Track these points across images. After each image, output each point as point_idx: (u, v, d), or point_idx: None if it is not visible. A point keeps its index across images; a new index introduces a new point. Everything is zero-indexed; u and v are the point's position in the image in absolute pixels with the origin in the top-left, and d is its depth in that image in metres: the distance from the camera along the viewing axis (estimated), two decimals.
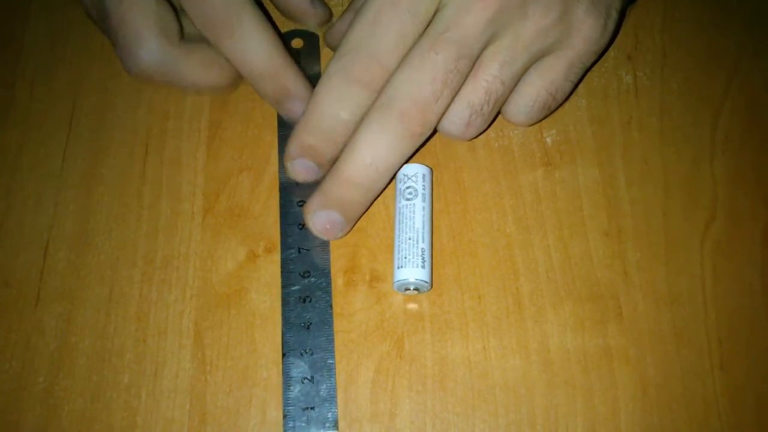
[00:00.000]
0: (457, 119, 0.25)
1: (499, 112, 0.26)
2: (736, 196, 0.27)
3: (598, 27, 0.25)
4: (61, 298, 0.26)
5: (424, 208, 0.26)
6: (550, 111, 0.27)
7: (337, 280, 0.26)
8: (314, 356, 0.24)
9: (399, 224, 0.26)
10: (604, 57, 0.30)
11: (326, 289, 0.26)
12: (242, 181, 0.28)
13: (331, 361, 0.24)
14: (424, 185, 0.26)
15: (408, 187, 0.26)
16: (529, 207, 0.27)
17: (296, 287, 0.26)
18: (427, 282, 0.25)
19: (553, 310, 0.25)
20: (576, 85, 0.27)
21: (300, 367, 0.24)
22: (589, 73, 0.29)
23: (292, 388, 0.24)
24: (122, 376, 0.25)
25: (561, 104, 0.27)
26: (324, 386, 0.24)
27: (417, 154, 0.28)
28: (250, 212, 0.27)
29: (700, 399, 0.24)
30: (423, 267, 0.25)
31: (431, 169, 0.27)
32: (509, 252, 0.26)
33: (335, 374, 0.24)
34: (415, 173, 0.26)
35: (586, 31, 0.24)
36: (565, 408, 0.24)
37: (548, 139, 0.28)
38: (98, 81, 0.30)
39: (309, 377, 0.24)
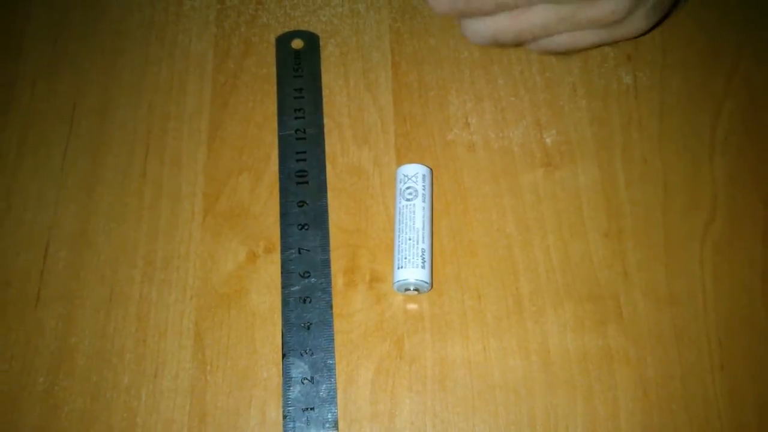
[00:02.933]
0: (474, 28, 0.25)
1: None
2: (735, 196, 0.27)
3: (645, 27, 0.26)
4: (61, 298, 0.26)
5: (424, 208, 0.26)
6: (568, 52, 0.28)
7: (337, 281, 0.26)
8: (314, 357, 0.24)
9: (399, 224, 0.26)
10: (604, 57, 0.30)
11: (326, 290, 0.26)
12: (242, 182, 0.28)
13: (331, 362, 0.24)
14: (424, 185, 0.26)
15: (408, 188, 0.26)
16: (529, 207, 0.27)
17: (296, 287, 0.26)
18: (427, 282, 0.25)
19: (553, 311, 0.25)
20: None
21: (300, 368, 0.24)
22: (588, 73, 0.30)
23: (292, 388, 0.24)
24: (122, 376, 0.25)
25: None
26: (324, 387, 0.24)
27: (417, 154, 0.28)
28: (250, 212, 0.27)
29: (700, 399, 0.24)
30: (423, 267, 0.25)
31: (431, 169, 0.27)
32: (509, 252, 0.26)
33: (335, 375, 0.24)
34: (415, 173, 0.26)
35: (633, 29, 0.25)
36: (565, 408, 0.24)
37: (548, 140, 0.28)
38: (99, 81, 0.30)
39: (309, 378, 0.24)
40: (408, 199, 0.26)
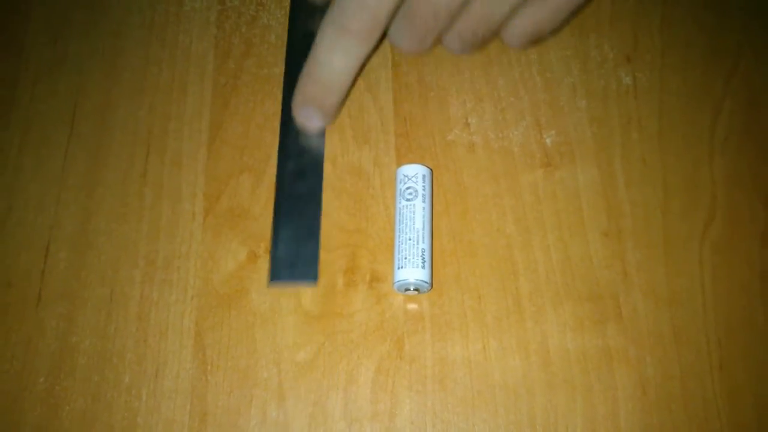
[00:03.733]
0: (451, 46, 0.28)
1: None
2: (735, 196, 0.27)
3: None
4: (62, 298, 0.26)
5: (424, 208, 0.26)
6: (542, 40, 0.29)
7: (337, 281, 0.26)
8: (301, 221, 0.26)
9: (399, 225, 0.26)
10: (603, 58, 0.30)
11: (318, 171, 0.27)
12: (243, 182, 0.28)
13: (317, 227, 0.26)
14: (424, 186, 0.26)
15: (408, 188, 0.26)
16: (528, 207, 0.27)
17: (291, 165, 0.27)
18: (427, 282, 0.25)
19: (552, 311, 0.25)
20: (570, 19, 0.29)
21: (288, 231, 0.26)
22: (588, 74, 0.30)
23: (279, 246, 0.26)
24: (123, 376, 0.25)
25: (557, 31, 0.29)
26: (309, 246, 0.26)
27: (417, 154, 0.28)
28: (251, 213, 0.27)
29: (700, 399, 0.24)
30: (423, 267, 0.25)
31: (431, 169, 0.27)
32: (509, 252, 0.26)
33: (320, 238, 0.26)
34: (415, 174, 0.26)
35: None
36: (565, 408, 0.24)
37: (548, 140, 0.28)
38: (100, 82, 0.30)
39: (295, 238, 0.26)
40: (408, 199, 0.26)
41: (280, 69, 0.30)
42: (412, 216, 0.26)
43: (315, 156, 0.28)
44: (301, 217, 0.26)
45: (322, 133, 0.28)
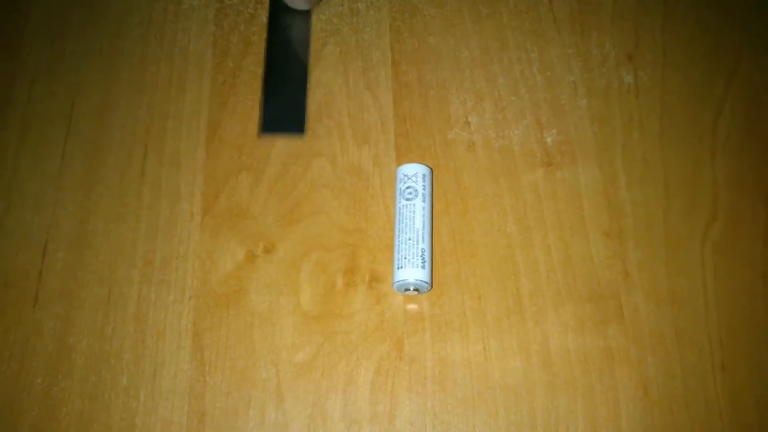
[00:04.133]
0: None
1: None
2: (736, 196, 0.27)
3: None
4: (59, 298, 0.26)
5: (424, 208, 0.26)
6: None
7: (337, 281, 0.26)
8: (289, 82, 0.28)
9: (399, 224, 0.26)
10: (605, 57, 0.30)
11: (305, 39, 0.30)
12: (241, 181, 0.28)
13: (303, 87, 0.28)
14: (424, 185, 0.26)
15: (408, 187, 0.26)
16: (529, 207, 0.27)
17: (280, 35, 0.29)
18: (427, 282, 0.25)
19: (553, 311, 0.25)
20: None
21: (276, 89, 0.29)
22: (589, 73, 0.29)
23: (269, 101, 0.28)
24: (121, 377, 0.25)
25: None
26: (296, 102, 0.28)
27: (417, 154, 0.28)
28: (250, 212, 0.27)
29: (702, 399, 0.24)
30: (423, 267, 0.25)
31: (431, 169, 0.27)
32: (510, 252, 0.26)
33: (306, 96, 0.28)
34: (415, 173, 0.26)
35: None
36: (566, 409, 0.24)
37: (549, 139, 0.28)
38: (97, 81, 0.30)
39: (284, 96, 0.28)
40: (408, 199, 0.26)
41: None
42: (412, 216, 0.26)
43: (301, 27, 0.29)
44: (289, 78, 0.28)
45: (308, 12, 0.30)
